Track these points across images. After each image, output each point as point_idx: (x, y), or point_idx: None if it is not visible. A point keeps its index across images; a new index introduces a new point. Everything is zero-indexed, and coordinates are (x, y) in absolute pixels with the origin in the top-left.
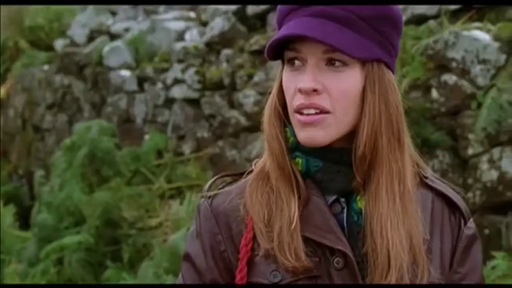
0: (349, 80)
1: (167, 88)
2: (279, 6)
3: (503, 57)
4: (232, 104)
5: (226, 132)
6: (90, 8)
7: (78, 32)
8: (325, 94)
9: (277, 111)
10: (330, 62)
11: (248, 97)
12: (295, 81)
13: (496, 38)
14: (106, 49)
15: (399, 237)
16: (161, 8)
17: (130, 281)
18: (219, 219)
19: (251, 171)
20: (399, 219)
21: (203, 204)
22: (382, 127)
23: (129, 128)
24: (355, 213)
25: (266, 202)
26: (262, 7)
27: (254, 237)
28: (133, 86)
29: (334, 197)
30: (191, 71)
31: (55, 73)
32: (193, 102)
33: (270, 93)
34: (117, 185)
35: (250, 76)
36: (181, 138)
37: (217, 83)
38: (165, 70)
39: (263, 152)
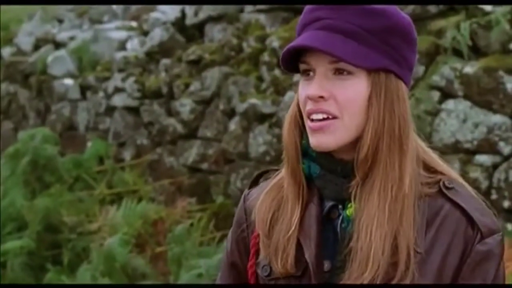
0: (354, 88)
1: (108, 96)
2: (298, 23)
3: (421, 68)
4: (169, 112)
5: (164, 139)
6: (37, 16)
7: (24, 41)
8: (332, 101)
9: (296, 119)
10: (338, 71)
11: (184, 105)
12: (306, 89)
13: None
14: (50, 58)
15: (382, 237)
16: (106, 17)
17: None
18: (247, 209)
19: None
20: (384, 220)
21: (243, 195)
22: (384, 133)
23: (72, 136)
24: (345, 220)
25: (274, 208)
26: (200, 18)
27: None
28: (76, 94)
29: (331, 204)
30: (131, 80)
31: (1, 81)
32: (133, 110)
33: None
34: (58, 191)
35: (187, 85)
36: (122, 145)
37: (156, 91)
38: (106, 79)
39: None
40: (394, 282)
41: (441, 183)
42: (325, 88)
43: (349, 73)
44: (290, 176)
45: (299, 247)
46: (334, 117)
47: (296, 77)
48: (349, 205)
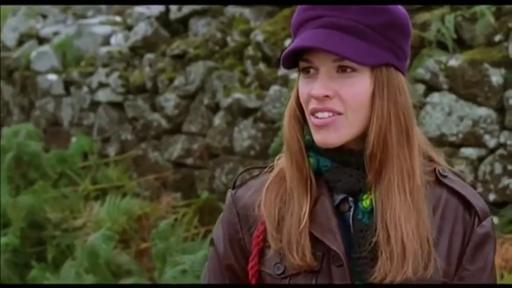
0: (359, 85)
1: (92, 91)
2: (292, 20)
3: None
4: (154, 107)
5: (148, 134)
6: (21, 11)
7: (8, 36)
8: (337, 99)
9: (296, 114)
10: (341, 69)
11: (169, 100)
12: (309, 87)
13: None
14: (34, 53)
15: (412, 230)
16: (90, 12)
17: (53, 281)
18: (239, 210)
19: (272, 167)
20: (410, 213)
21: (229, 195)
22: (392, 127)
23: (56, 131)
24: (360, 212)
25: (279, 202)
26: (184, 12)
27: (266, 230)
28: (60, 90)
29: (342, 196)
30: (115, 75)
31: None
32: (117, 106)
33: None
34: (42, 188)
35: (171, 80)
36: (106, 140)
37: (140, 86)
38: (90, 74)
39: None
40: (421, 271)
41: (436, 171)
42: (329, 87)
43: (353, 70)
44: (296, 171)
45: (312, 241)
46: (339, 113)
47: (281, 71)
48: (364, 197)
